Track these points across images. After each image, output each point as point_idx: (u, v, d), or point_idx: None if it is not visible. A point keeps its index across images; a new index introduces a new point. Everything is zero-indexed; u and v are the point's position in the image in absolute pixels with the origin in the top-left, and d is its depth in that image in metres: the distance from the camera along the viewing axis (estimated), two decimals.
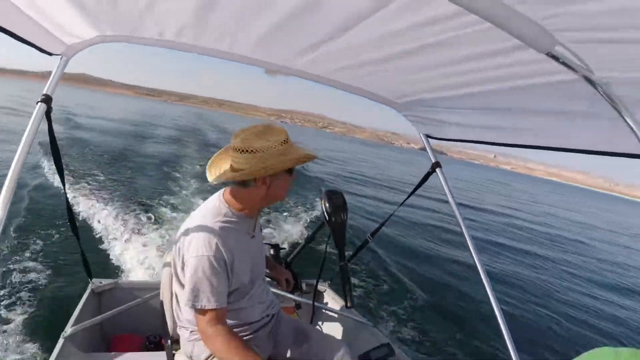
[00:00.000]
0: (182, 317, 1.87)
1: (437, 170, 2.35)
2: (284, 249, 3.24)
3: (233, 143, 1.76)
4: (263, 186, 1.77)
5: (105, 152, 13.52)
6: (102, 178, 9.72)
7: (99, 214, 6.84)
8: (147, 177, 11.17)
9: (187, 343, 1.87)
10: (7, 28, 1.37)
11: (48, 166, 8.97)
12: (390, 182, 23.28)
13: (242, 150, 1.71)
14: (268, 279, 2.58)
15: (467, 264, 8.10)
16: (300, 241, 3.10)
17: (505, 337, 2.02)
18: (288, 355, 2.04)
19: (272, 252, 3.20)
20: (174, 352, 1.99)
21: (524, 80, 1.44)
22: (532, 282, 9.18)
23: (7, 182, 1.36)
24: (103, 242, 5.78)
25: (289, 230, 7.82)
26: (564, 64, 1.10)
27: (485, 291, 2.12)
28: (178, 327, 1.92)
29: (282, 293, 2.83)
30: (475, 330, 5.51)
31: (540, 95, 1.49)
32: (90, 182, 8.95)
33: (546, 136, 1.75)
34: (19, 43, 1.55)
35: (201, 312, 1.67)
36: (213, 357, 1.77)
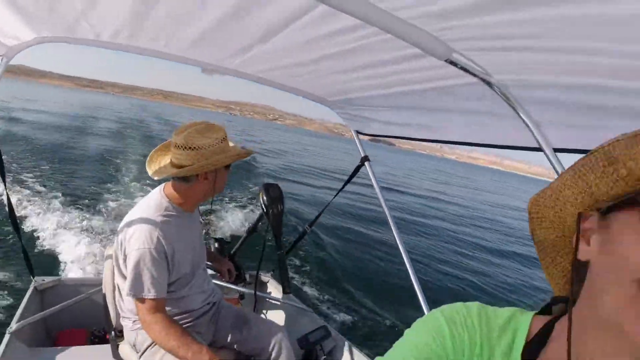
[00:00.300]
0: (124, 307, 1.95)
1: (366, 163, 2.53)
2: (229, 242, 3.33)
3: (175, 140, 1.85)
4: (205, 181, 1.90)
5: (44, 147, 12.97)
6: (41, 174, 9.39)
7: (40, 211, 6.66)
8: (89, 171, 10.88)
9: (130, 332, 1.96)
10: None
11: None
12: (337, 172, 23.67)
13: (185, 147, 1.81)
14: (211, 272, 2.69)
15: (391, 244, 8.77)
16: (243, 234, 3.19)
17: (422, 302, 2.24)
18: (229, 340, 2.17)
19: (216, 245, 3.29)
20: (118, 343, 2.06)
21: (432, 83, 1.62)
22: (447, 254, 10.30)
23: None
24: (46, 239, 5.68)
25: (233, 223, 7.96)
26: (463, 69, 1.27)
27: (406, 267, 2.32)
28: (121, 318, 2.00)
29: (226, 284, 2.93)
30: (399, 302, 5.97)
31: (447, 96, 1.67)
32: (30, 179, 8.64)
33: (456, 132, 1.96)
34: None
35: (142, 301, 1.77)
36: (154, 344, 1.86)
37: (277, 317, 3.09)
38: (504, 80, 1.33)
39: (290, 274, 6.44)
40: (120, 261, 1.87)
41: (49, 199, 7.40)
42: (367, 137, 2.62)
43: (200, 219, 2.24)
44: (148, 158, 2.01)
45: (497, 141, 1.78)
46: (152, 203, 1.91)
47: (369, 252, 8.81)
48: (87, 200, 7.88)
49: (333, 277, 6.78)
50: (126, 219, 1.89)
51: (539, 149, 1.45)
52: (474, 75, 1.30)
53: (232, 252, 3.20)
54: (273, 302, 3.15)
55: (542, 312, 0.66)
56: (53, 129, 17.23)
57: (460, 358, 0.62)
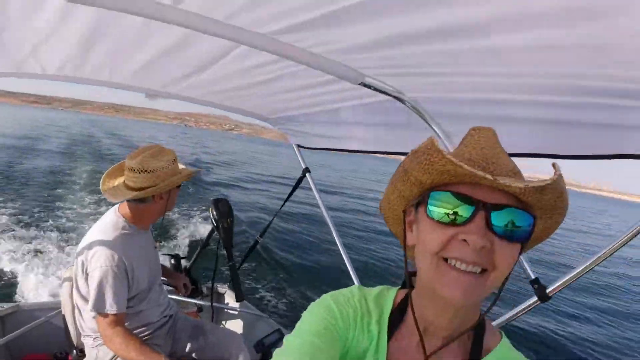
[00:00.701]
0: (85, 326, 2.04)
1: (307, 174, 2.73)
2: (184, 257, 3.44)
3: (129, 164, 1.99)
4: (160, 201, 2.07)
5: None
6: None
7: None
8: (37, 192, 10.58)
9: (91, 350, 2.05)
10: None
11: None
12: (290, 178, 23.88)
13: (141, 171, 1.97)
14: (169, 287, 2.81)
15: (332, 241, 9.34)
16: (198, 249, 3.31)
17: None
18: (187, 350, 2.30)
19: (172, 262, 3.37)
20: (81, 358, 2.14)
21: (354, 101, 1.85)
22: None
23: None
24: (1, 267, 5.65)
25: (188, 238, 8.15)
26: (377, 89, 1.48)
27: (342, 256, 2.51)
28: (82, 337, 2.09)
29: (184, 299, 3.03)
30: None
31: (369, 112, 1.91)
32: None
33: (380, 144, 2.18)
34: None
35: (104, 316, 1.88)
36: (115, 358, 1.98)
37: (234, 325, 3.22)
38: (416, 97, 1.55)
39: (247, 282, 6.62)
40: (81, 282, 1.96)
41: None
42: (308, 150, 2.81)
43: (152, 237, 2.36)
44: (101, 182, 2.13)
45: (404, 149, 2.02)
46: (109, 224, 2.03)
47: (316, 253, 9.35)
48: (37, 222, 7.73)
49: (286, 281, 7.14)
50: (85, 241, 2.00)
51: None
52: (387, 94, 1.52)
53: (187, 267, 3.31)
54: (230, 311, 3.27)
55: (403, 286, 0.87)
56: None
57: (347, 326, 0.81)
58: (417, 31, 0.98)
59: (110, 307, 1.87)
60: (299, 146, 2.81)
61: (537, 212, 0.71)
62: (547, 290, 1.41)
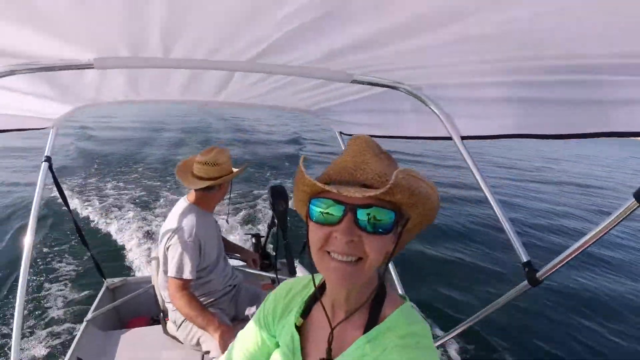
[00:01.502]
0: (166, 295, 2.54)
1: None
2: (263, 237, 3.87)
3: (204, 159, 2.47)
4: (222, 190, 2.55)
5: (111, 161, 13.93)
6: (109, 187, 10.39)
7: (111, 222, 7.67)
8: (151, 177, 11.74)
9: (171, 313, 2.56)
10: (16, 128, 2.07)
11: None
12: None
13: (213, 164, 2.45)
14: (242, 262, 3.30)
15: None
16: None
17: None
18: (246, 314, 2.73)
19: (253, 240, 3.86)
20: (166, 321, 2.67)
21: (365, 92, 1.98)
22: None
23: (32, 213, 2.05)
24: (116, 246, 6.71)
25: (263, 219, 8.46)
26: (369, 83, 1.62)
27: None
28: (166, 303, 2.60)
29: (258, 272, 3.46)
30: None
31: (381, 101, 2.02)
32: (99, 194, 9.63)
33: (395, 128, 2.35)
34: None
35: (174, 280, 2.34)
36: (185, 320, 2.46)
37: None
38: (417, 84, 1.65)
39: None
40: (163, 260, 2.45)
41: (118, 210, 8.43)
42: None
43: (216, 219, 2.81)
44: (176, 175, 2.62)
45: (422, 134, 2.13)
46: (182, 209, 2.50)
47: None
48: (149, 205, 8.84)
49: None
50: (165, 226, 2.50)
51: (449, 138, 1.74)
52: (384, 85, 1.65)
53: (262, 245, 3.77)
54: None
55: None
56: (120, 142, 17.95)
57: (270, 319, 1.11)
58: (392, 25, 0.99)
59: (182, 273, 2.32)
60: (341, 133, 3.02)
61: (404, 206, 0.85)
62: (538, 274, 1.37)
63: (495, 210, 1.57)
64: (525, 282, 1.41)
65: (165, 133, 21.02)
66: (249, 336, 1.17)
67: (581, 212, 12.59)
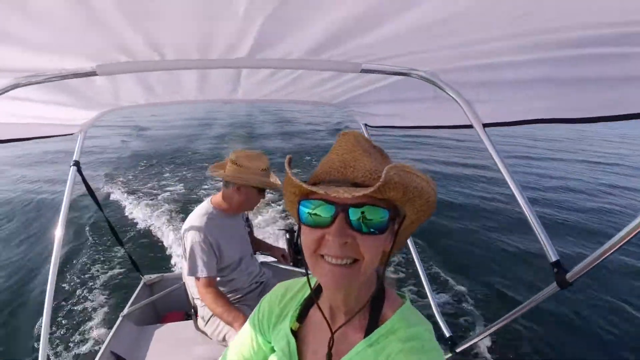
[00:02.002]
0: (194, 292, 2.59)
1: None
2: (295, 231, 3.87)
3: (231, 156, 2.49)
4: (238, 193, 2.50)
5: (160, 156, 14.37)
6: (155, 186, 10.72)
7: (149, 221, 7.94)
8: (196, 172, 12.01)
9: (200, 309, 2.61)
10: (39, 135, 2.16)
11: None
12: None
13: (233, 162, 2.46)
14: (274, 258, 3.33)
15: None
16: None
17: None
18: None
19: (287, 236, 3.88)
20: (196, 317, 2.72)
21: (384, 81, 1.89)
22: None
23: (61, 215, 2.17)
24: (154, 243, 6.97)
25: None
26: (380, 71, 1.51)
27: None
28: (195, 299, 2.66)
29: (289, 267, 3.47)
30: None
31: (396, 89, 1.94)
32: (144, 194, 9.97)
33: (416, 118, 2.25)
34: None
35: (198, 279, 2.41)
36: (213, 315, 2.49)
37: None
38: (434, 70, 1.53)
39: None
40: (182, 258, 2.51)
41: (157, 209, 8.69)
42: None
43: (244, 222, 2.82)
44: (209, 170, 2.65)
45: (442, 123, 2.04)
46: (200, 210, 2.55)
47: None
48: (192, 202, 9.02)
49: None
50: (184, 226, 2.54)
51: (470, 126, 1.64)
52: (396, 73, 1.54)
53: (295, 240, 3.77)
54: None
55: None
56: (169, 139, 18.45)
57: (265, 324, 1.09)
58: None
59: (202, 272, 2.38)
60: (366, 125, 2.93)
61: (399, 202, 0.81)
62: (567, 275, 1.22)
63: (520, 203, 1.44)
64: (554, 284, 1.27)
65: (211, 130, 21.40)
66: (243, 341, 1.14)
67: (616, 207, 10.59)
